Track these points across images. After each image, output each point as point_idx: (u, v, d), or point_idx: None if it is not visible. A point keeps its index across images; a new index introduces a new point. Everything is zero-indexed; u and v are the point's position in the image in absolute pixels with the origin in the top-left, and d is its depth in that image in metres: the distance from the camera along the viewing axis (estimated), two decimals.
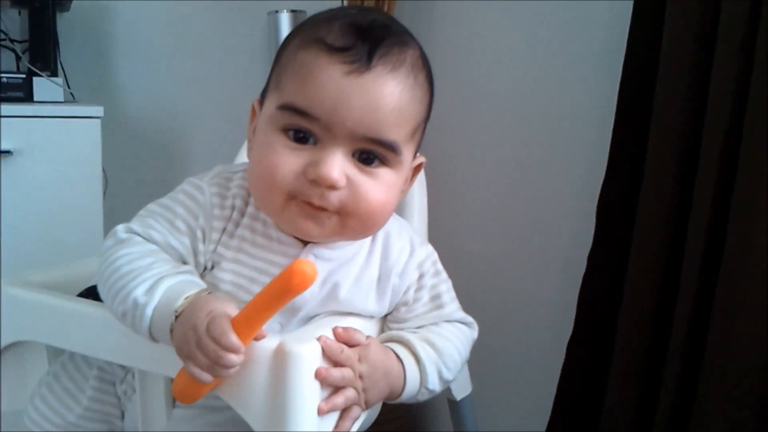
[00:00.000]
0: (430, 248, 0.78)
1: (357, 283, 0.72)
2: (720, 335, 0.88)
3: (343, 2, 1.50)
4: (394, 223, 0.75)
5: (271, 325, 0.67)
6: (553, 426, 1.16)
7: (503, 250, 1.40)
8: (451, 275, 0.78)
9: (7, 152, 1.22)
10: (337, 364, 0.64)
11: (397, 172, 0.67)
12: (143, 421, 0.72)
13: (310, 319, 0.71)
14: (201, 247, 0.69)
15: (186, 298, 0.60)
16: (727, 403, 0.88)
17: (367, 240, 0.73)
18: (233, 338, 0.57)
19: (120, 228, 0.69)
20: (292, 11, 1.57)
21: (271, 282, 0.56)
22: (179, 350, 0.59)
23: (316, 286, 0.70)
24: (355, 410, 0.66)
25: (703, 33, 0.92)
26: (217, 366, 0.57)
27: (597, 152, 1.11)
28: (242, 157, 1.09)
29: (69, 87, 1.50)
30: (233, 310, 0.58)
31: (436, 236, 1.00)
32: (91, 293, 0.76)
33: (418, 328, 0.74)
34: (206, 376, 0.58)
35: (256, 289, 0.60)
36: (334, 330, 0.66)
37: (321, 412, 0.62)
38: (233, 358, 0.57)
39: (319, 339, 0.63)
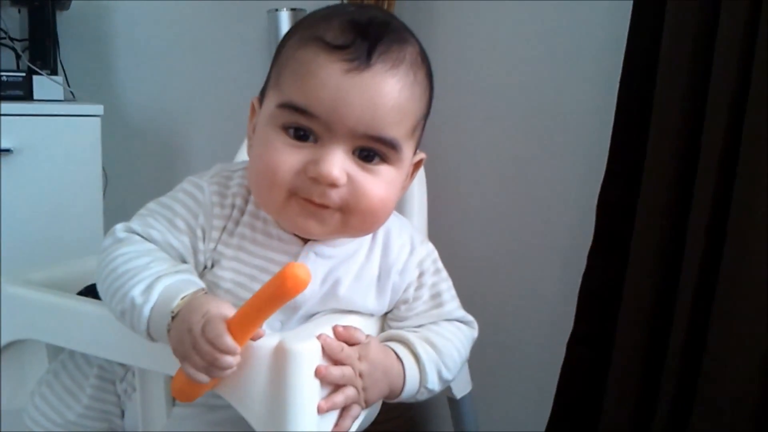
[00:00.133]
0: (430, 246, 0.78)
1: (357, 280, 0.72)
2: (719, 335, 0.88)
3: (342, 0, 1.50)
4: (394, 221, 0.75)
5: (271, 322, 0.67)
6: (554, 424, 1.16)
7: (503, 248, 1.40)
8: (450, 273, 0.78)
9: (7, 151, 1.22)
10: (337, 362, 0.64)
11: (398, 169, 0.67)
12: (143, 419, 0.73)
13: (310, 316, 0.71)
14: (201, 245, 0.69)
15: (182, 298, 0.60)
16: (726, 402, 0.88)
17: (368, 237, 0.73)
18: (228, 340, 0.57)
19: (119, 227, 0.69)
20: (292, 9, 1.56)
21: (264, 285, 0.56)
22: (176, 351, 0.59)
23: (316, 283, 0.70)
24: (355, 409, 0.66)
25: (703, 33, 0.91)
26: (212, 367, 0.57)
27: (597, 151, 1.11)
28: (242, 156, 1.09)
29: (69, 85, 1.50)
30: (229, 312, 0.58)
31: (435, 234, 1.00)
32: (90, 292, 0.76)
33: (419, 326, 0.74)
34: (203, 377, 0.58)
35: (257, 287, 0.60)
36: (334, 328, 0.66)
37: (321, 411, 0.62)
38: (229, 359, 0.57)
39: (319, 337, 0.63)
